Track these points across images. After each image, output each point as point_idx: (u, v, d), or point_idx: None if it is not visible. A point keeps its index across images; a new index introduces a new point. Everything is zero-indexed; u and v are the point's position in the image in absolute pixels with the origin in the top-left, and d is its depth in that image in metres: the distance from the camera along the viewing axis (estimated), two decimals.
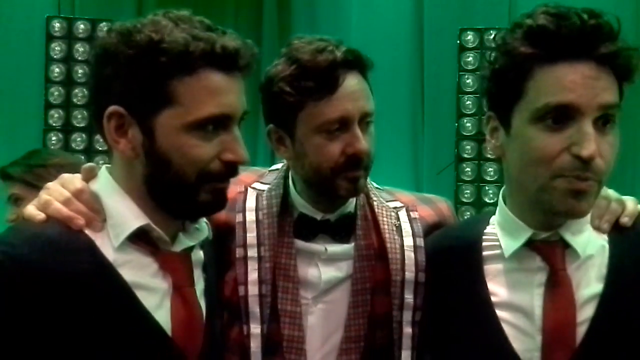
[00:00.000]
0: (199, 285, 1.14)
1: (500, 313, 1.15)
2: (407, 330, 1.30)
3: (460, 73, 3.70)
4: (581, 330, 1.09)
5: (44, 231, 1.03)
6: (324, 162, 1.27)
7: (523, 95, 1.08)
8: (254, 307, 1.28)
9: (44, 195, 1.09)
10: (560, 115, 1.05)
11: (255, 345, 1.27)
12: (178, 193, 1.05)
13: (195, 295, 1.11)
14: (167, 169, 1.04)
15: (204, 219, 1.16)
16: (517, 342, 1.12)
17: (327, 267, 1.33)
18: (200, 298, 1.14)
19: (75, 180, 1.11)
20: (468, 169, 3.72)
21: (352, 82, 1.27)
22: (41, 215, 1.05)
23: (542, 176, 1.07)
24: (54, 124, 3.71)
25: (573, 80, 1.04)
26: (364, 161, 1.28)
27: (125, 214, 1.06)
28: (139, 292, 1.05)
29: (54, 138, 3.70)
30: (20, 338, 0.97)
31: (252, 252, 1.30)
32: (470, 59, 3.69)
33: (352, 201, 1.37)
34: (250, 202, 1.35)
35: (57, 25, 3.74)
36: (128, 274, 1.04)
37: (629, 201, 1.19)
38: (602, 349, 1.09)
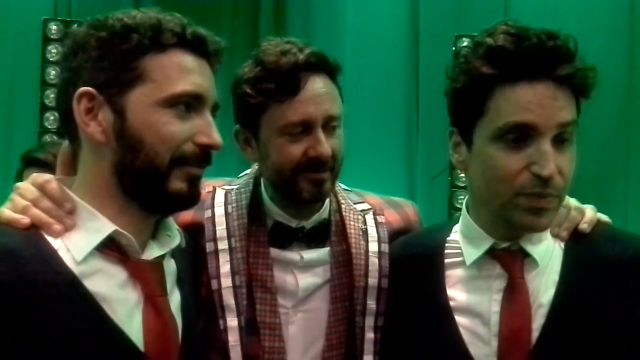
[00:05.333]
0: (174, 299, 1.08)
1: (458, 318, 1.17)
2: (369, 335, 1.30)
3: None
4: (535, 336, 1.12)
5: (2, 241, 0.96)
6: (285, 163, 1.25)
7: (484, 114, 1.10)
8: (229, 299, 1.27)
9: (18, 198, 1.04)
10: (520, 135, 1.08)
11: (233, 338, 1.26)
12: (149, 178, 1.00)
13: (169, 306, 1.05)
14: (138, 150, 0.99)
15: (176, 226, 1.12)
16: (474, 347, 1.14)
17: (303, 274, 1.32)
18: (177, 313, 1.07)
19: (45, 176, 1.07)
20: (462, 175, 3.74)
21: (316, 85, 1.25)
22: (26, 220, 1.00)
23: (504, 194, 1.10)
24: (49, 126, 3.72)
25: (531, 101, 1.07)
26: (327, 164, 1.26)
27: (89, 225, 1.01)
28: (106, 305, 0.98)
29: (49, 140, 3.71)
30: None
31: (223, 245, 1.29)
32: None
33: (327, 207, 1.36)
34: (219, 198, 1.34)
35: (53, 27, 3.75)
36: (94, 285, 0.98)
37: (588, 209, 1.22)
38: (553, 354, 1.11)
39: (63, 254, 0.98)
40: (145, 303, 1.02)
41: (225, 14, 4.22)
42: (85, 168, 1.05)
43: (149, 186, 1.01)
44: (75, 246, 0.99)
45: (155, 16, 1.02)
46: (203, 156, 1.03)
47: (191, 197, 1.04)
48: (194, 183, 1.04)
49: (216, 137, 1.03)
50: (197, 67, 1.03)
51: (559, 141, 1.09)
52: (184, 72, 1.01)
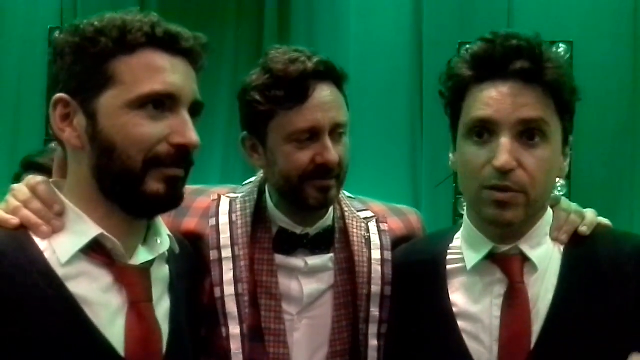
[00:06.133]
0: (162, 305, 1.08)
1: (461, 324, 1.19)
2: (373, 342, 1.32)
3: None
4: (534, 340, 1.13)
5: None
6: (292, 169, 1.27)
7: (461, 113, 1.18)
8: (231, 307, 1.28)
9: (11, 199, 1.05)
10: (483, 130, 1.13)
11: (235, 347, 1.27)
12: (125, 181, 1.00)
13: (153, 312, 1.04)
14: (111, 153, 0.99)
15: (167, 231, 1.11)
16: (476, 353, 1.16)
17: (308, 279, 1.33)
18: (164, 320, 1.07)
19: (37, 178, 1.08)
20: None
21: (323, 92, 1.28)
22: (15, 220, 1.01)
23: (472, 188, 1.15)
24: None
25: (492, 97, 1.13)
26: (334, 171, 1.28)
27: (76, 227, 1.01)
28: (88, 308, 0.98)
29: (52, 146, 3.72)
30: None
31: (227, 253, 1.30)
32: None
33: (331, 214, 1.37)
34: (224, 206, 1.35)
35: None
36: (77, 288, 0.98)
37: (588, 212, 1.24)
38: (551, 358, 1.13)
39: (49, 255, 0.99)
40: (128, 308, 1.02)
41: (229, 20, 4.24)
42: (71, 172, 1.06)
43: (125, 189, 1.01)
44: (61, 248, 0.99)
45: (121, 17, 1.01)
46: (180, 156, 1.02)
47: (170, 199, 1.03)
48: (172, 184, 1.02)
49: (191, 136, 1.01)
50: (169, 65, 1.01)
51: (527, 138, 1.12)
52: (154, 72, 1.00)
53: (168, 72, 1.01)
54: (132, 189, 1.00)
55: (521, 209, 1.14)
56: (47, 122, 3.71)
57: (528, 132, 1.12)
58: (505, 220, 1.14)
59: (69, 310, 0.97)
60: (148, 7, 4.10)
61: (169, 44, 1.02)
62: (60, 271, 0.98)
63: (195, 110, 1.05)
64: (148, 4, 4.09)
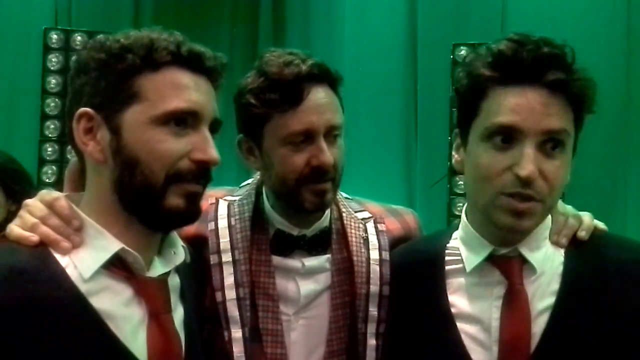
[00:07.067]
0: (178, 314, 1.10)
1: (460, 325, 1.19)
2: (372, 342, 1.32)
3: (454, 87, 3.74)
4: (535, 342, 1.13)
5: (11, 259, 0.98)
6: (289, 172, 1.28)
7: (478, 114, 1.14)
8: (233, 311, 1.29)
9: (27, 215, 1.05)
10: (507, 136, 1.11)
11: (238, 350, 1.27)
12: (146, 196, 1.01)
13: (173, 323, 1.06)
14: (134, 168, 1.01)
15: (181, 242, 1.12)
16: (475, 353, 1.16)
17: (305, 280, 1.34)
18: (180, 328, 1.08)
19: (53, 194, 1.08)
20: (461, 182, 3.74)
21: (318, 95, 1.28)
22: (35, 238, 1.01)
23: (487, 193, 1.13)
24: (49, 135, 3.74)
25: (520, 104, 1.10)
26: (329, 173, 1.28)
27: (96, 242, 1.02)
28: (112, 322, 0.99)
29: (49, 149, 3.73)
30: None
31: (227, 257, 1.31)
32: None
33: (327, 215, 1.38)
34: (222, 210, 1.35)
35: (54, 36, 3.77)
36: (100, 303, 0.99)
37: (586, 216, 1.24)
38: (553, 358, 1.13)
39: (71, 271, 1.00)
40: (149, 320, 1.03)
41: (224, 22, 4.25)
42: (90, 185, 1.07)
43: (146, 203, 1.02)
44: (82, 264, 1.00)
45: (148, 35, 1.03)
46: (200, 172, 1.04)
47: (189, 214, 1.05)
48: (192, 199, 1.04)
49: (212, 153, 1.04)
50: (192, 83, 1.04)
51: (549, 148, 1.11)
52: (178, 89, 1.02)
53: (191, 90, 1.03)
54: (153, 203, 1.02)
55: (536, 218, 1.13)
56: (41, 123, 3.74)
57: (550, 142, 1.11)
58: (521, 229, 1.13)
59: (94, 326, 0.98)
60: (143, 9, 4.10)
61: (193, 63, 1.04)
62: (83, 287, 0.99)
63: (214, 128, 1.07)
64: (143, 6, 4.09)
